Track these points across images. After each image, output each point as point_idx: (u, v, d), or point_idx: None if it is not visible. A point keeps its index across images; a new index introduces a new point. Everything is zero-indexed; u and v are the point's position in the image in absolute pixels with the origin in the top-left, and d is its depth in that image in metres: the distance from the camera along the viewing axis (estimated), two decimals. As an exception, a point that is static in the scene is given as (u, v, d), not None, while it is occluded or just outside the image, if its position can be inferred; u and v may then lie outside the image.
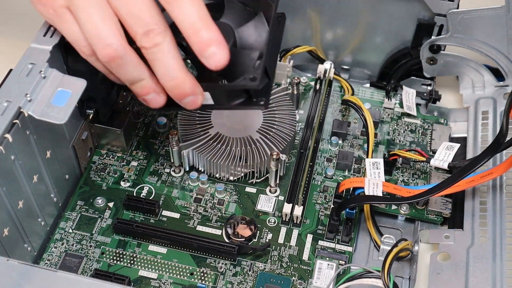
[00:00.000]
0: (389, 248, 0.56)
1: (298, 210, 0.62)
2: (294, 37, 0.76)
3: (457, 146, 0.63)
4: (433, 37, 0.70)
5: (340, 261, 0.61)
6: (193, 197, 0.66)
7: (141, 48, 0.50)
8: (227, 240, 0.62)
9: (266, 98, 0.54)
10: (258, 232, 0.63)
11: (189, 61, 0.58)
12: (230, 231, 0.61)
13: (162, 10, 0.50)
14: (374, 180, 0.62)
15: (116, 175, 0.67)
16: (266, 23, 0.53)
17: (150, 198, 0.66)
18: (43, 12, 0.52)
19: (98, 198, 0.65)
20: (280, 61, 0.74)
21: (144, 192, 0.66)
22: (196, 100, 0.53)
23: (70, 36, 0.52)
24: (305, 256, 0.62)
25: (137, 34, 0.49)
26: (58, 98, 0.51)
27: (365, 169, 0.64)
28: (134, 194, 0.66)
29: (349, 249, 0.62)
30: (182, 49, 0.54)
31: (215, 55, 0.49)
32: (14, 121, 0.51)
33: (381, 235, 0.63)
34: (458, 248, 0.60)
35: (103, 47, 0.49)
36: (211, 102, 0.55)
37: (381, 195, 0.61)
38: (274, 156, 0.62)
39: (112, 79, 0.55)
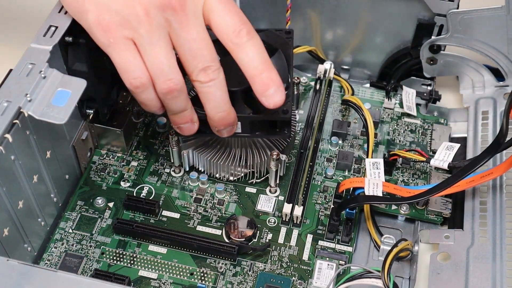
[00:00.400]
0: (389, 248, 0.56)
1: (298, 210, 0.62)
2: (294, 37, 0.75)
3: (457, 146, 0.63)
4: (433, 37, 0.70)
5: (340, 261, 0.61)
6: (193, 197, 0.66)
7: (195, 82, 0.54)
8: (227, 240, 0.62)
9: (289, 127, 0.60)
10: (258, 232, 0.63)
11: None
12: (231, 230, 0.62)
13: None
14: (374, 180, 0.62)
15: (116, 175, 0.67)
16: (284, 58, 0.58)
17: (150, 198, 0.66)
18: (100, 37, 0.52)
19: (98, 198, 0.65)
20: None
21: (144, 192, 0.66)
22: (233, 129, 0.58)
23: (125, 65, 0.52)
24: (305, 256, 0.62)
25: (196, 69, 0.53)
26: (58, 98, 0.51)
27: (365, 169, 0.64)
28: (134, 194, 0.66)
29: (349, 249, 0.62)
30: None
31: (274, 95, 0.54)
32: (14, 121, 0.51)
33: (381, 235, 0.63)
34: (458, 248, 0.60)
35: (164, 81, 0.53)
36: (239, 130, 0.60)
37: (381, 195, 0.61)
38: (274, 156, 0.62)
39: (146, 109, 0.57)
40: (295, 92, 0.71)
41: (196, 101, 0.56)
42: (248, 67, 0.53)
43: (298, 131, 0.71)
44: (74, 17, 0.53)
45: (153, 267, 0.60)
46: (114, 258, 0.61)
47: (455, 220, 0.64)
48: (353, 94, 0.75)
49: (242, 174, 0.66)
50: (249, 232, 0.61)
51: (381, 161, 0.64)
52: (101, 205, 0.65)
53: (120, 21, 0.51)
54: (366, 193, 0.61)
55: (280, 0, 0.72)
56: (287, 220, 0.63)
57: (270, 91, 0.53)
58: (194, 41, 0.52)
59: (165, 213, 0.64)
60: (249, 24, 0.54)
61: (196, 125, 0.58)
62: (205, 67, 0.53)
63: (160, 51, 0.52)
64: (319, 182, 0.67)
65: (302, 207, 0.63)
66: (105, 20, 0.51)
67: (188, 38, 0.52)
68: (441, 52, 0.71)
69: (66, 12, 0.57)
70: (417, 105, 0.75)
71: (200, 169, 0.67)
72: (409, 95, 0.74)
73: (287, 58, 0.61)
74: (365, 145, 0.68)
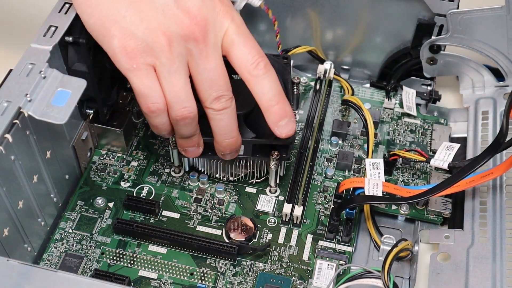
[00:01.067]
0: (389, 248, 0.56)
1: (298, 210, 0.62)
2: (294, 37, 0.76)
3: (457, 146, 0.63)
4: (433, 37, 0.70)
5: (340, 261, 0.61)
6: (193, 197, 0.66)
7: (208, 109, 0.56)
8: (227, 240, 0.62)
9: (288, 151, 0.62)
10: (258, 232, 0.63)
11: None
12: (231, 230, 0.62)
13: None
14: (374, 180, 0.62)
15: (116, 175, 0.67)
16: (282, 83, 0.60)
17: (150, 198, 0.66)
18: (123, 63, 0.53)
19: (98, 198, 0.65)
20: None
21: (144, 192, 0.66)
22: (236, 154, 0.61)
23: (145, 90, 0.54)
24: (305, 256, 0.62)
25: (210, 97, 0.55)
26: (58, 98, 0.51)
27: (365, 169, 0.64)
28: (134, 194, 0.66)
29: (349, 249, 0.62)
30: None
31: (286, 126, 0.57)
32: (14, 121, 0.51)
33: (381, 235, 0.63)
34: (458, 248, 0.60)
35: (179, 109, 0.55)
36: (241, 153, 0.62)
37: (381, 195, 0.61)
38: (274, 156, 0.62)
39: (156, 132, 0.58)
40: (295, 92, 0.71)
41: (203, 126, 0.59)
42: (264, 99, 0.56)
43: (298, 131, 0.71)
44: (96, 39, 0.55)
45: (153, 267, 0.60)
46: (114, 258, 0.61)
47: (455, 220, 0.64)
48: (353, 94, 0.75)
49: (242, 174, 0.66)
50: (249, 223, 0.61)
51: (381, 161, 0.64)
52: (101, 205, 0.65)
53: (144, 49, 0.52)
54: (366, 193, 0.61)
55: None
56: (287, 220, 0.63)
57: (283, 122, 0.57)
58: (212, 71, 0.54)
59: (165, 213, 0.64)
60: (266, 58, 0.56)
61: (201, 149, 0.61)
62: (219, 96, 0.55)
63: (179, 80, 0.54)
64: (319, 182, 0.67)
65: (302, 207, 0.63)
66: (130, 46, 0.52)
67: (207, 68, 0.54)
68: (441, 52, 0.71)
69: (66, 12, 0.57)
70: (417, 105, 0.75)
71: (200, 169, 0.67)
72: (409, 95, 0.74)
73: (285, 83, 0.63)
74: (365, 145, 0.68)
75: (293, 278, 0.60)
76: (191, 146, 0.60)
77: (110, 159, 0.69)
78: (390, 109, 0.75)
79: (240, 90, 0.57)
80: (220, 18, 0.55)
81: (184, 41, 0.53)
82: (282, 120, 0.57)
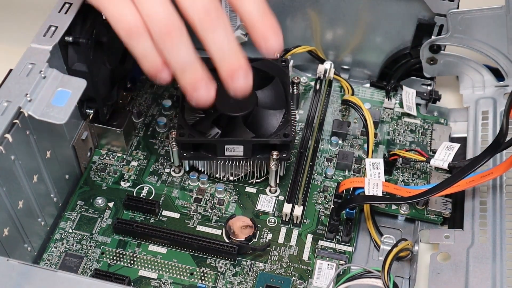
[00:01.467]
0: (389, 248, 0.56)
1: (298, 210, 0.62)
2: (294, 37, 0.76)
3: (457, 146, 0.63)
4: (433, 37, 0.70)
5: (340, 261, 0.61)
6: (193, 197, 0.66)
7: (197, 28, 0.50)
8: (227, 240, 0.62)
9: (289, 150, 0.62)
10: (258, 232, 0.63)
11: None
12: (231, 230, 0.62)
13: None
14: (374, 180, 0.62)
15: (116, 175, 0.67)
16: (281, 85, 0.60)
17: (150, 198, 0.66)
18: None
19: (98, 198, 0.65)
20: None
21: (144, 192, 0.66)
22: (248, 78, 0.53)
23: (118, 12, 0.50)
24: (305, 256, 0.62)
25: (196, 12, 0.49)
26: (58, 98, 0.51)
27: (365, 169, 0.64)
28: (134, 194, 0.66)
29: (349, 249, 0.62)
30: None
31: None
32: (14, 121, 0.51)
33: (381, 235, 0.63)
34: (458, 248, 0.60)
35: (160, 23, 0.49)
36: (241, 153, 0.61)
37: (381, 195, 0.61)
38: (274, 156, 0.62)
39: (146, 65, 0.52)
40: (295, 92, 0.71)
41: (203, 128, 0.59)
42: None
43: (298, 131, 0.71)
44: None
45: (153, 267, 0.60)
46: (114, 258, 0.61)
47: (455, 220, 0.64)
48: (353, 94, 0.75)
49: (242, 174, 0.66)
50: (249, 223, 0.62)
51: (381, 161, 0.64)
52: (101, 205, 0.65)
53: None
54: (366, 193, 0.61)
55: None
56: (287, 220, 0.63)
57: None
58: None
59: (165, 213, 0.64)
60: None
61: (213, 89, 0.53)
62: (207, 9, 0.50)
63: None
64: (319, 182, 0.67)
65: (302, 207, 0.63)
66: None
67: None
68: (441, 52, 0.71)
69: (66, 12, 0.57)
70: (417, 105, 0.75)
71: (200, 169, 0.67)
72: (409, 95, 0.74)
73: (284, 86, 0.63)
74: (365, 145, 0.68)
75: (293, 278, 0.60)
76: (197, 81, 0.52)
77: (110, 159, 0.69)
78: (390, 109, 0.75)
79: None
80: None
81: None
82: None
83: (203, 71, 0.52)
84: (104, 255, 0.61)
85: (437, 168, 0.67)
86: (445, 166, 0.61)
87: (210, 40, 0.51)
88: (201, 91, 0.53)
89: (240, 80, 0.52)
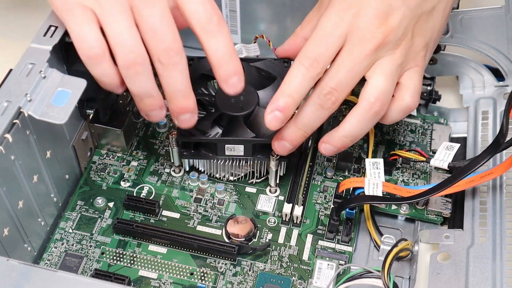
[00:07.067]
0: (389, 248, 0.56)
1: (298, 210, 0.62)
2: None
3: (457, 146, 0.63)
4: (433, 37, 0.70)
5: (340, 261, 0.61)
6: (193, 197, 0.66)
7: (156, 64, 0.52)
8: (227, 240, 0.62)
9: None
10: (258, 232, 0.63)
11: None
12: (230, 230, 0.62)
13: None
14: (374, 180, 0.62)
15: (116, 175, 0.67)
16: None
17: (150, 198, 0.66)
18: (59, 4, 0.51)
19: (98, 198, 0.65)
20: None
21: (144, 192, 0.66)
22: (192, 119, 0.57)
23: (81, 34, 0.51)
24: (305, 256, 0.62)
25: (157, 49, 0.51)
26: (58, 98, 0.51)
27: (365, 169, 0.64)
28: (134, 194, 0.66)
29: (349, 249, 0.62)
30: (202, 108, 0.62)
31: (238, 83, 0.54)
32: (14, 121, 0.51)
33: (381, 235, 0.63)
34: (458, 248, 0.60)
35: (127, 53, 0.50)
36: (241, 153, 0.61)
37: (381, 195, 0.61)
38: (274, 156, 0.62)
39: (102, 85, 0.54)
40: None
41: (201, 125, 0.59)
42: (216, 55, 0.53)
43: (298, 131, 0.71)
44: None
45: (153, 267, 0.60)
46: (114, 258, 0.61)
47: (455, 220, 0.64)
48: (353, 94, 0.75)
49: (242, 174, 0.66)
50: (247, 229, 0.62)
51: (381, 161, 0.64)
52: (101, 205, 0.65)
53: None
54: (366, 193, 0.61)
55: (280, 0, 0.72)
56: (287, 220, 0.63)
57: (234, 79, 0.54)
58: (157, 18, 0.51)
59: (165, 213, 0.64)
60: (220, 13, 0.53)
61: (164, 111, 0.56)
62: (166, 48, 0.51)
63: (121, 23, 0.50)
64: (319, 182, 0.67)
65: (302, 207, 0.63)
66: None
67: (152, 14, 0.51)
68: (441, 52, 0.71)
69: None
70: (417, 105, 0.75)
71: (200, 169, 0.67)
72: (409, 95, 0.74)
73: None
74: (365, 145, 0.68)
75: (293, 278, 0.60)
76: (152, 109, 0.55)
77: (110, 159, 0.69)
78: (390, 109, 0.74)
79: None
80: None
81: None
82: (233, 77, 0.54)
83: (159, 98, 0.55)
84: (104, 255, 0.61)
85: (437, 168, 0.67)
86: (445, 166, 0.61)
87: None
88: (155, 117, 0.56)
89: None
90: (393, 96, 0.57)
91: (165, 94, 0.54)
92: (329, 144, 0.58)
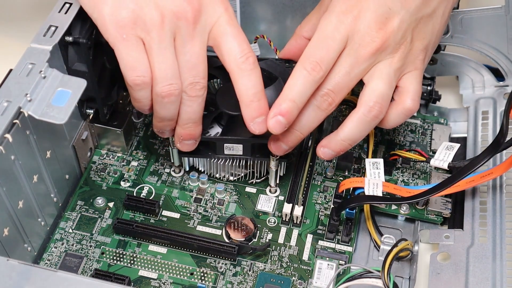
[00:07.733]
0: (389, 248, 0.56)
1: (298, 210, 0.62)
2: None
3: (457, 146, 0.63)
4: (433, 37, 0.70)
5: (340, 261, 0.61)
6: (193, 197, 0.66)
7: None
8: (227, 240, 0.62)
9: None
10: (258, 232, 0.63)
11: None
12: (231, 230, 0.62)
13: None
14: (374, 180, 0.62)
15: (116, 175, 0.67)
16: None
17: (150, 198, 0.66)
18: (112, 31, 0.52)
19: (98, 198, 0.65)
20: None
21: (144, 192, 0.66)
22: (193, 145, 0.61)
23: (132, 62, 0.53)
24: (305, 256, 0.62)
25: (186, 80, 0.55)
26: (58, 98, 0.51)
27: (365, 169, 0.64)
28: (134, 194, 0.66)
29: (349, 249, 0.62)
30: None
31: (263, 123, 0.56)
32: (14, 121, 0.51)
33: (381, 235, 0.63)
34: (458, 248, 0.60)
35: (166, 85, 0.54)
36: (240, 152, 0.62)
37: (381, 195, 0.61)
38: (274, 156, 0.62)
39: (137, 106, 0.57)
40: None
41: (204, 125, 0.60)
42: (246, 94, 0.55)
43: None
44: (85, 8, 0.54)
45: (153, 267, 0.60)
46: (114, 258, 0.61)
47: (455, 220, 0.64)
48: (353, 93, 0.75)
49: (242, 174, 0.66)
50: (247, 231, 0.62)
51: (381, 161, 0.64)
52: (101, 205, 0.65)
53: (136, 20, 0.52)
54: (366, 193, 0.61)
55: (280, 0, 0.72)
56: (287, 220, 0.63)
57: (259, 119, 0.56)
58: (195, 55, 0.54)
59: (165, 213, 0.64)
60: (254, 54, 0.56)
61: (173, 132, 0.61)
62: (195, 82, 0.55)
63: (168, 56, 0.53)
64: (319, 182, 0.67)
65: (302, 207, 0.63)
66: (121, 15, 0.52)
67: (192, 50, 0.54)
68: (441, 52, 0.71)
69: (66, 12, 0.57)
70: (417, 105, 0.75)
71: (200, 169, 0.67)
72: (409, 95, 0.74)
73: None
74: (365, 145, 0.68)
75: (293, 278, 0.60)
76: (169, 129, 0.59)
77: (110, 159, 0.69)
78: (390, 109, 0.74)
79: None
80: (214, 5, 0.54)
81: (176, 18, 0.52)
82: (259, 117, 0.56)
83: (175, 121, 0.58)
84: (104, 255, 0.61)
85: (437, 168, 0.67)
86: (445, 166, 0.61)
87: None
88: (168, 134, 0.61)
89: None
90: (394, 100, 0.58)
91: (178, 118, 0.58)
92: (328, 148, 0.59)
